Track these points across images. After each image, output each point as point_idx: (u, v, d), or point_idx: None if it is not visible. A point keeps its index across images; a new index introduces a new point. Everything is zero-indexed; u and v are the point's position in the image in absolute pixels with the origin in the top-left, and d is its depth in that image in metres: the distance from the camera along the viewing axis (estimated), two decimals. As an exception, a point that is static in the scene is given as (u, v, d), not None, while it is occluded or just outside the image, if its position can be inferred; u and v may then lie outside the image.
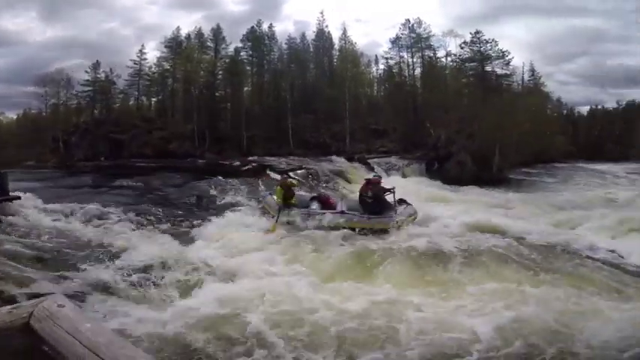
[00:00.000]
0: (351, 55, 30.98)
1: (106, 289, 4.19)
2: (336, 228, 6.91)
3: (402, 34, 29.49)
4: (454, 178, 17.16)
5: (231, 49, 29.32)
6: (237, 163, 16.45)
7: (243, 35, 29.78)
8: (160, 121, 27.06)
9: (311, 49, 32.52)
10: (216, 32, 29.28)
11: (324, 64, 32.16)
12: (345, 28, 31.77)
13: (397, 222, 7.25)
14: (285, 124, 26.62)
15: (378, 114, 30.64)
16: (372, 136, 28.60)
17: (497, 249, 6.00)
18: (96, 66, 28.06)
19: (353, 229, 6.97)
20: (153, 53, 30.04)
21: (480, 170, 18.12)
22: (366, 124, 29.16)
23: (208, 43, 29.43)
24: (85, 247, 5.58)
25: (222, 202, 9.24)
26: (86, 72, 28.13)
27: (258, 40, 29.55)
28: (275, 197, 7.64)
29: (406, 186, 14.46)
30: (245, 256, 5.66)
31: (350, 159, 20.17)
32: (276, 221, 7.06)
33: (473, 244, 6.21)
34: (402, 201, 8.03)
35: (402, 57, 29.81)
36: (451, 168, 18.39)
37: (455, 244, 6.15)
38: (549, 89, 38.29)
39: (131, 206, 8.35)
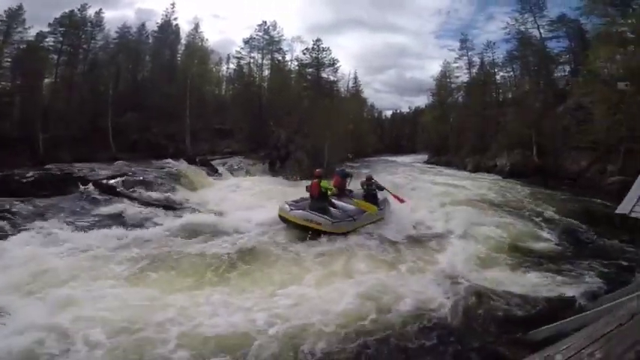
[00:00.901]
0: (199, 51, 29.13)
1: None
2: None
3: (256, 35, 30.11)
4: (293, 175, 18.86)
5: (34, 33, 22.93)
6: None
7: (55, 19, 23.88)
8: None
9: (150, 41, 28.77)
10: (13, 13, 22.20)
11: (164, 58, 28.95)
12: (197, 23, 30.15)
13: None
14: (105, 123, 22.32)
15: (224, 113, 29.93)
16: (217, 136, 27.64)
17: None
18: None
19: None
20: None
21: (315, 166, 20.47)
22: (211, 123, 27.99)
23: (-4, 26, 21.83)
24: None
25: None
26: None
27: (75, 25, 23.82)
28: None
29: (251, 186, 14.89)
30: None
31: (191, 161, 18.85)
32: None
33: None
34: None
35: (253, 57, 30.45)
36: (290, 166, 19.90)
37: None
38: (367, 96, 47.29)
39: None
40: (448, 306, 4.48)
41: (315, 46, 29.26)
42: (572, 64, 24.12)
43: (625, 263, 6.27)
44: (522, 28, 25.63)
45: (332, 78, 30.04)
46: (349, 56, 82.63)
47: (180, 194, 11.50)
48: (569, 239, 7.82)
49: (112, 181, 10.95)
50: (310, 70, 30.01)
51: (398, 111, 64.62)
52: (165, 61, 28.80)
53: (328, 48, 28.89)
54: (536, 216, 9.83)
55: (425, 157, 34.46)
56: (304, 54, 29.73)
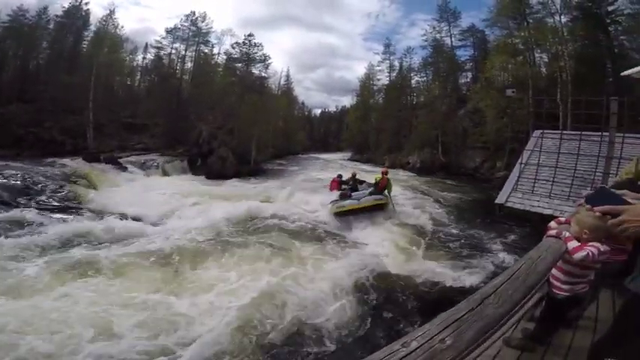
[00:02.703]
0: (110, 39, 25.58)
1: None
2: None
3: (182, 25, 27.87)
4: (217, 173, 17.82)
5: None
6: None
7: None
8: None
9: (51, 26, 24.51)
10: None
11: (66, 45, 24.80)
12: (113, 9, 26.61)
13: None
14: (-23, 114, 18.17)
15: (137, 106, 26.88)
16: (127, 131, 24.71)
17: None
18: None
19: None
20: None
21: (241, 164, 19.75)
22: (121, 117, 24.89)
23: None
24: None
25: None
26: None
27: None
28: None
29: (166, 186, 13.61)
30: None
31: (94, 159, 16.52)
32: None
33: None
34: None
35: (176, 48, 28.15)
36: (214, 163, 18.81)
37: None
38: (298, 93, 47.35)
39: None
40: (364, 296, 4.67)
41: (246, 41, 28.16)
42: (474, 71, 27.22)
43: (507, 248, 7.42)
44: (438, 36, 28.34)
45: (263, 74, 29.32)
46: (283, 53, 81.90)
47: (72, 197, 9.85)
48: (466, 226, 8.98)
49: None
50: (239, 65, 28.85)
51: (326, 110, 66.49)
52: (67, 49, 24.95)
53: (260, 44, 28.09)
54: (440, 206, 11.01)
55: (349, 154, 35.94)
56: (234, 48, 28.49)
